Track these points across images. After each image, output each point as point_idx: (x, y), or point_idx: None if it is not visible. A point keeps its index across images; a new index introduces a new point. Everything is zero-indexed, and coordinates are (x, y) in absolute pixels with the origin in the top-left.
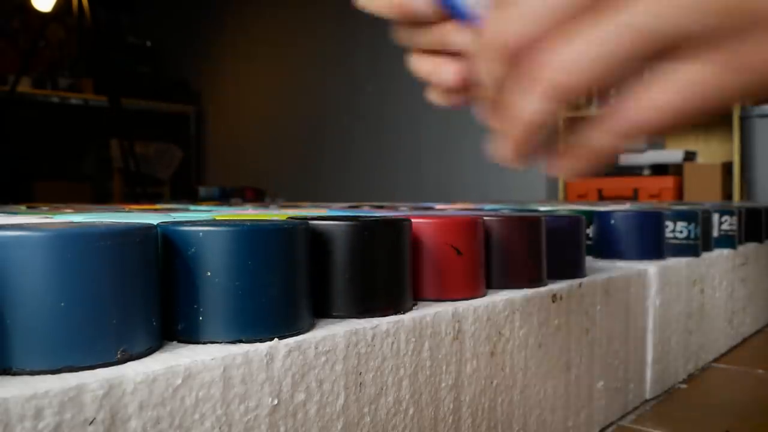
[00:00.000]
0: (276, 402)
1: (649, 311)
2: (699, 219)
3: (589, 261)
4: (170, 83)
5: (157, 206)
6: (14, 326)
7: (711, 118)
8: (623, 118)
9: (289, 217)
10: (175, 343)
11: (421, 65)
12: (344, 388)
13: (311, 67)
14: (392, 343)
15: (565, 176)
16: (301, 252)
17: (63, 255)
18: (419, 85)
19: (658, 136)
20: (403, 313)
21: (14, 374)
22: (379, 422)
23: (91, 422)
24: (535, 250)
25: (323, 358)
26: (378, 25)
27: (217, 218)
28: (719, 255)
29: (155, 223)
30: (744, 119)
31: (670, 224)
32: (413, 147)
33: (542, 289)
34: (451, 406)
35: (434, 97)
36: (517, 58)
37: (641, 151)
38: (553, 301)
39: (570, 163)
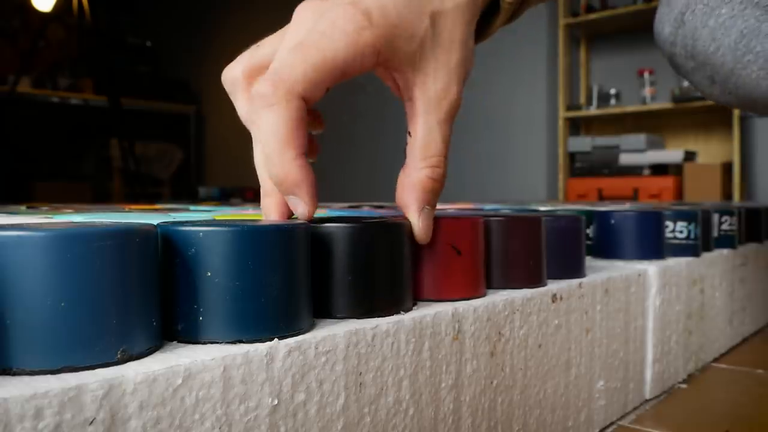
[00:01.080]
0: (276, 402)
1: (649, 311)
2: (699, 219)
3: (589, 261)
4: (170, 83)
5: (157, 206)
6: (14, 326)
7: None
8: None
9: (289, 218)
10: (175, 343)
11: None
12: (344, 388)
13: None
14: (392, 343)
15: None
16: (302, 252)
17: (63, 255)
18: None
19: None
20: (403, 314)
21: (14, 374)
22: (379, 422)
23: (91, 422)
24: (535, 250)
25: (323, 359)
26: None
27: (217, 218)
28: (719, 255)
29: (155, 223)
30: (744, 119)
31: (670, 224)
32: None
33: (542, 289)
34: (451, 406)
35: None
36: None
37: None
38: (553, 301)
39: None
